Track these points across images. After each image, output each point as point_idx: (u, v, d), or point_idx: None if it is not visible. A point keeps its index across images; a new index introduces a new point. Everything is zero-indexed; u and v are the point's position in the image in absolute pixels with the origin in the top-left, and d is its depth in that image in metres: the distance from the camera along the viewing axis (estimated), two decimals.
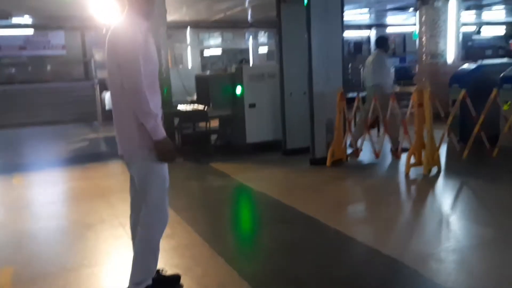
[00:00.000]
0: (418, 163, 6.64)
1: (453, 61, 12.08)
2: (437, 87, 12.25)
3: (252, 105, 8.47)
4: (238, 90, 8.45)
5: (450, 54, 12.07)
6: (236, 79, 8.52)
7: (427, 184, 6.24)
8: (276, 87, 8.49)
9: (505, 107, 7.83)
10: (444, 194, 5.93)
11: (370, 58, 8.33)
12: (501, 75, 7.91)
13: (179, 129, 8.75)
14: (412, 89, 13.49)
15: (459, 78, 8.72)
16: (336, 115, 7.22)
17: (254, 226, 5.44)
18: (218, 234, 4.86)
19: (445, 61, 12.10)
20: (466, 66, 9.10)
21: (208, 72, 12.68)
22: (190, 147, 8.96)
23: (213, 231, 4.92)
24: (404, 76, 13.62)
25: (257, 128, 8.55)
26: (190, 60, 18.11)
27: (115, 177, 7.60)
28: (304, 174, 6.97)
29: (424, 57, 12.23)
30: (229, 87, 8.66)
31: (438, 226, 4.78)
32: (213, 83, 8.68)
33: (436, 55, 12.06)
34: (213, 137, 9.55)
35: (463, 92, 7.10)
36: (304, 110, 8.26)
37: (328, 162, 7.20)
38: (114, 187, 6.75)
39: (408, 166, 6.55)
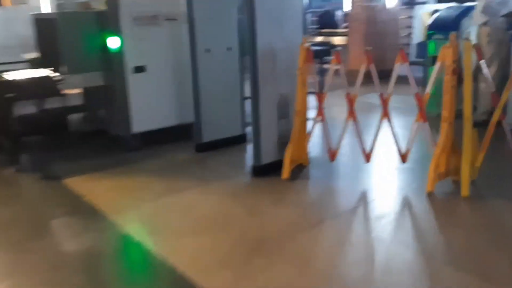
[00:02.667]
0: (445, 173, 3.85)
1: (395, 6, 9.57)
2: (374, 40, 9.98)
3: (140, 69, 4.96)
4: (113, 42, 4.85)
5: None
6: (109, 22, 4.89)
7: (483, 216, 3.48)
8: (180, 37, 5.07)
9: None
10: None
11: None
12: None
13: (6, 110, 4.89)
14: (339, 40, 10.84)
15: (442, 26, 6.06)
16: (296, 88, 4.09)
17: None
18: None
19: (384, 5, 9.52)
20: (448, 8, 6.46)
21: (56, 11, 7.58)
22: (32, 140, 5.24)
23: None
24: (328, 23, 10.82)
25: (150, 107, 5.10)
26: None
27: None
28: (245, 203, 3.77)
29: None
30: (97, 37, 4.99)
31: None
32: (66, 30, 4.87)
33: None
34: (75, 119, 5.86)
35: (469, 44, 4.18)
36: (234, 79, 5.01)
37: (285, 173, 4.10)
38: None
39: (433, 179, 3.72)
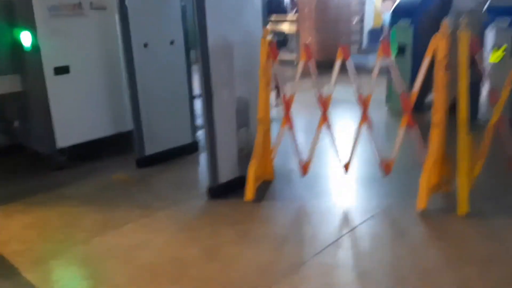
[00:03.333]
0: (437, 186, 3.27)
1: None
2: (325, 28, 9.35)
3: (62, 70, 4.03)
4: (26, 38, 3.89)
5: None
6: (19, 13, 3.92)
7: (487, 242, 2.91)
8: (111, 30, 4.20)
9: (493, 57, 4.90)
10: None
11: None
12: (486, 5, 4.90)
13: None
14: (288, 28, 10.13)
15: (410, 10, 5.51)
16: (258, 89, 3.35)
17: None
18: None
19: None
20: None
21: None
22: None
23: None
24: (276, 9, 10.08)
25: (78, 116, 4.19)
26: None
27: None
28: (202, 241, 2.98)
29: None
30: (6, 33, 4.02)
31: None
32: None
33: None
34: None
35: (464, 34, 3.57)
36: (180, 77, 4.24)
37: (249, 194, 3.37)
38: None
39: (425, 194, 3.13)
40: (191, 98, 4.38)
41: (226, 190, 3.44)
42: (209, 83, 3.23)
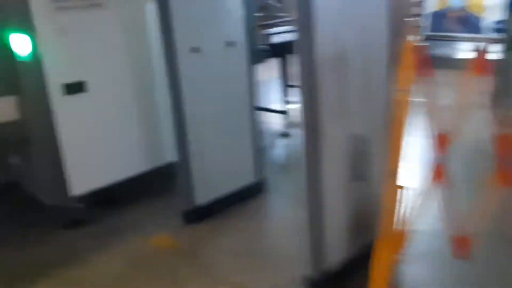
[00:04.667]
0: None
1: None
2: None
3: (75, 88, 2.80)
4: (21, 43, 2.64)
5: None
6: (8, 8, 2.66)
7: None
8: (144, 28, 2.97)
9: None
10: None
11: None
12: None
13: None
14: None
15: None
16: (387, 125, 2.07)
17: None
18: None
19: None
20: None
21: None
22: None
23: None
24: None
25: (99, 150, 2.97)
26: None
27: None
28: None
29: None
30: None
31: None
32: None
33: None
34: None
35: None
36: (240, 91, 2.98)
37: None
38: None
39: None
40: (255, 122, 3.12)
41: (333, 282, 2.19)
42: (315, 114, 1.96)
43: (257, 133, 3.13)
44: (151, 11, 2.78)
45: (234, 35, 2.85)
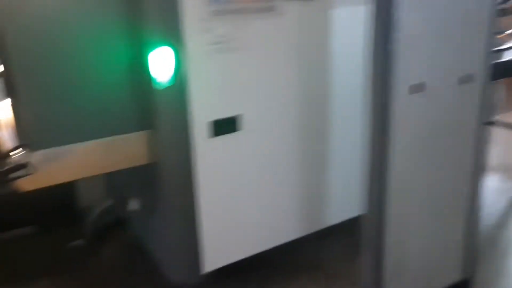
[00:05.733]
0: None
1: None
2: None
3: (226, 125, 1.95)
4: (161, 65, 1.81)
5: None
6: (147, 13, 1.83)
7: None
8: (326, 44, 2.03)
9: None
10: None
11: None
12: None
13: None
14: None
15: None
16: None
17: None
18: None
19: None
20: None
21: None
22: None
23: None
24: None
25: (245, 212, 2.11)
26: None
27: None
28: None
29: None
30: (120, 55, 1.92)
31: None
32: (20, 41, 1.73)
33: None
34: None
35: None
36: (467, 155, 1.89)
37: None
38: None
39: None
40: (475, 194, 2.08)
41: None
42: None
43: (475, 210, 2.09)
44: (338, 20, 1.85)
45: (471, 66, 1.83)
